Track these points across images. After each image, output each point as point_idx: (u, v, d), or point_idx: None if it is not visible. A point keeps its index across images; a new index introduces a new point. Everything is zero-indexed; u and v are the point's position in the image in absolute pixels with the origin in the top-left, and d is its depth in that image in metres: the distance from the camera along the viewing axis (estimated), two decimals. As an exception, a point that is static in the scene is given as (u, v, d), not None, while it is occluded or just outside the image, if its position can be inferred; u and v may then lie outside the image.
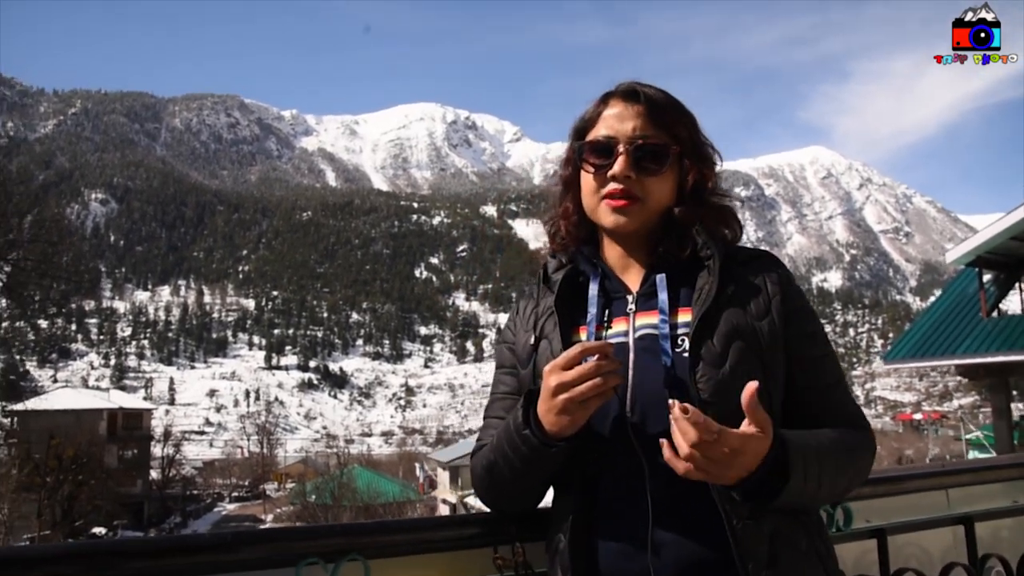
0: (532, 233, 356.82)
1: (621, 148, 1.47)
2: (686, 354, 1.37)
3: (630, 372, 1.40)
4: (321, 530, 1.55)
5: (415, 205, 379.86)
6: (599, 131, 1.52)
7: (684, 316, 1.42)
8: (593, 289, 1.52)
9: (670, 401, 1.21)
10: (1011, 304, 20.23)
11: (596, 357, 1.29)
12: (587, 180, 1.53)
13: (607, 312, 1.50)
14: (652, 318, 1.44)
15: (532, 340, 1.54)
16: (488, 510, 1.63)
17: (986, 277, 17.39)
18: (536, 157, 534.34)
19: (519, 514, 1.59)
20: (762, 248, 1.57)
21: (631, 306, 1.48)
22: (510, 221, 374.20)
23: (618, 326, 1.47)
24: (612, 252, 1.56)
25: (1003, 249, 16.78)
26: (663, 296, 1.44)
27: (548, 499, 1.56)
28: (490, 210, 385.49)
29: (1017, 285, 18.34)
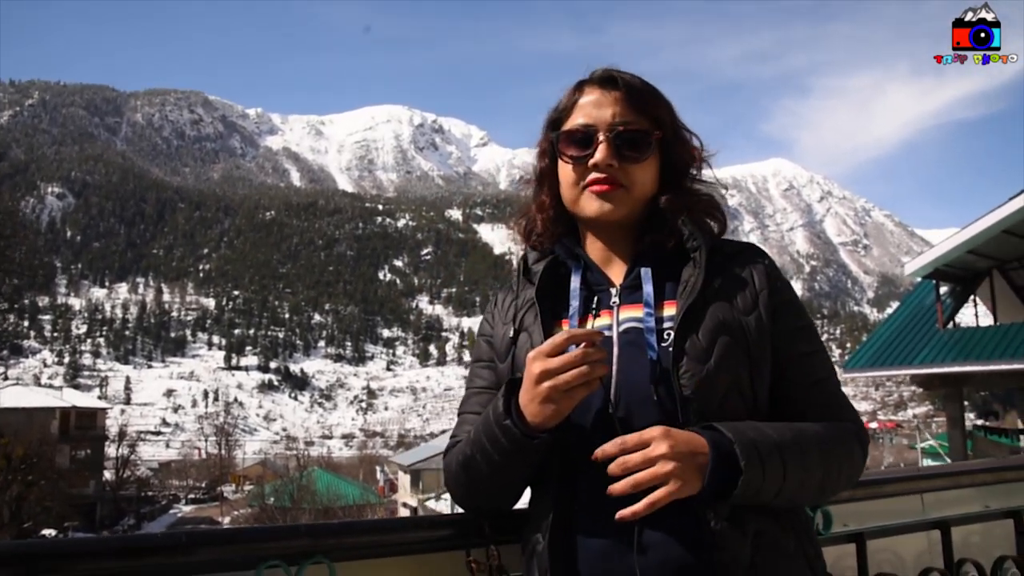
0: (497, 238, 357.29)
1: (601, 136, 1.42)
2: (671, 349, 1.32)
3: (614, 367, 1.35)
4: (284, 531, 1.47)
5: (380, 207, 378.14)
6: (576, 120, 1.46)
7: (669, 310, 1.38)
8: (575, 281, 1.47)
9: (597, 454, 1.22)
10: (966, 316, 20.71)
11: (583, 345, 1.26)
12: (566, 172, 1.47)
13: (589, 306, 1.45)
14: (636, 311, 1.40)
15: (511, 333, 1.49)
16: (461, 511, 1.57)
17: (943, 289, 17.78)
18: (503, 162, 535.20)
19: (493, 515, 1.53)
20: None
21: (615, 299, 1.43)
22: (475, 225, 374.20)
23: (601, 320, 1.43)
24: (593, 245, 1.51)
25: (960, 262, 17.19)
26: (648, 289, 1.40)
27: (523, 501, 1.50)
28: (455, 214, 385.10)
29: (972, 298, 18.78)
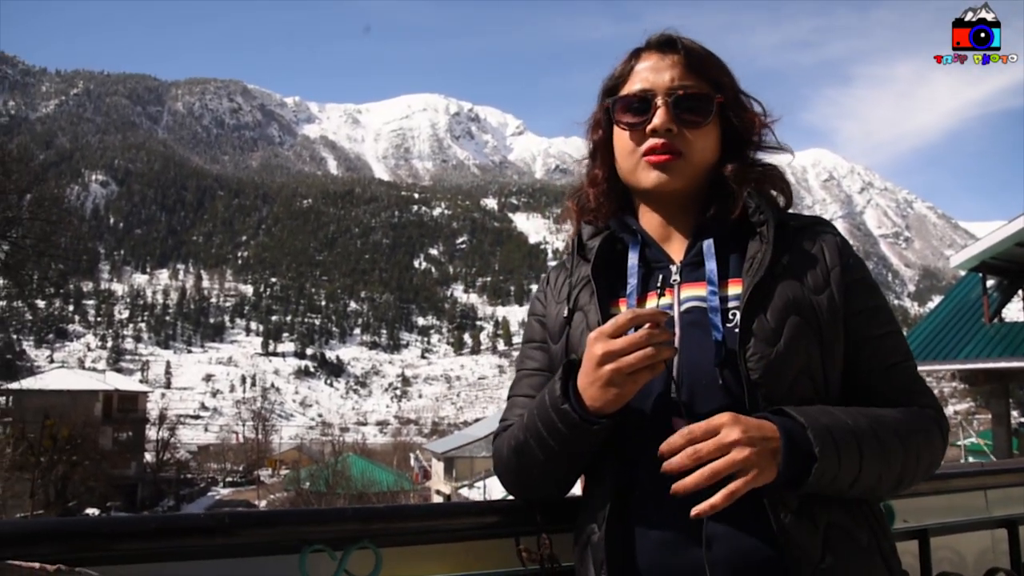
0: (532, 227, 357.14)
1: (660, 100, 1.34)
2: (737, 329, 1.25)
3: (676, 349, 1.26)
4: (329, 514, 1.42)
5: (416, 196, 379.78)
6: (633, 85, 1.39)
7: (734, 288, 1.30)
8: (633, 258, 1.39)
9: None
10: (1012, 311, 20.19)
11: (648, 326, 1.18)
12: (622, 139, 1.40)
13: (648, 283, 1.37)
14: (699, 290, 1.31)
15: (565, 312, 1.41)
16: (511, 497, 1.51)
17: (989, 283, 17.35)
18: (538, 151, 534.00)
19: (545, 502, 1.47)
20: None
21: (675, 277, 1.35)
22: (510, 214, 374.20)
23: (661, 299, 1.34)
24: (651, 219, 1.43)
25: (1007, 255, 16.73)
26: (711, 265, 1.31)
27: (575, 489, 1.44)
28: (491, 203, 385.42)
29: (1020, 292, 18.31)
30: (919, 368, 1.32)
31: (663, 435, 1.18)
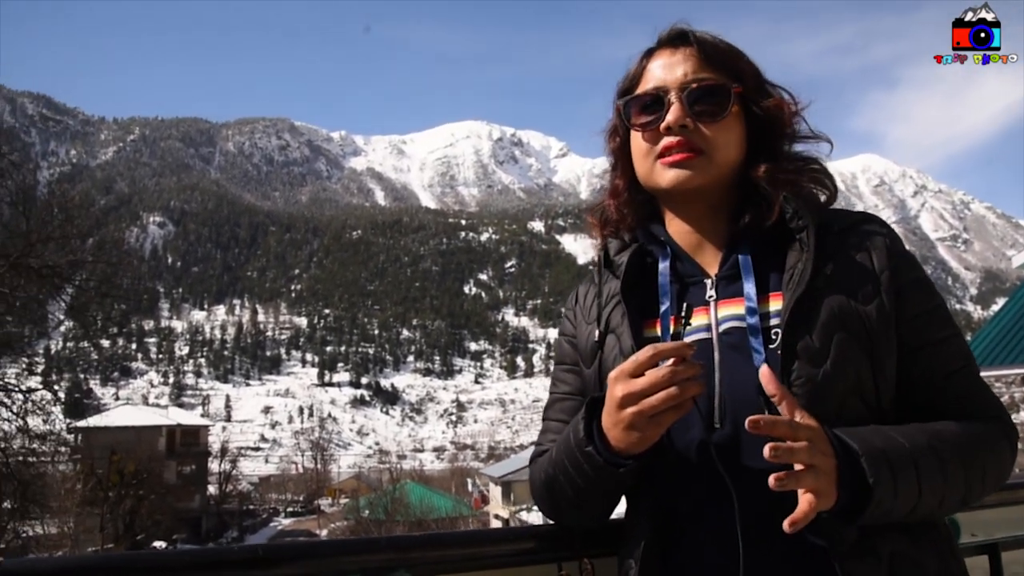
0: (580, 248, 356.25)
1: (673, 96, 1.24)
2: (780, 351, 1.14)
3: (716, 374, 1.18)
4: (365, 543, 1.40)
5: (463, 222, 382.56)
6: (646, 85, 1.30)
7: (775, 303, 1.18)
8: (664, 273, 1.29)
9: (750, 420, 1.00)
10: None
11: (671, 360, 1.07)
12: (637, 142, 1.30)
13: (683, 301, 1.24)
14: (737, 307, 1.20)
15: (596, 335, 1.31)
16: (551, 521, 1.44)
17: (1054, 282, 16.79)
18: (583, 172, 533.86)
19: (585, 528, 1.41)
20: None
21: (711, 292, 1.24)
22: (558, 236, 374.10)
23: (698, 318, 1.23)
24: (679, 228, 1.32)
25: (1074, 252, 16.21)
26: (749, 284, 1.20)
27: (621, 508, 1.36)
28: (538, 225, 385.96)
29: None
30: (985, 374, 0.95)
31: (704, 468, 1.15)
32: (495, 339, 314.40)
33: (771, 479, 0.97)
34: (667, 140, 1.23)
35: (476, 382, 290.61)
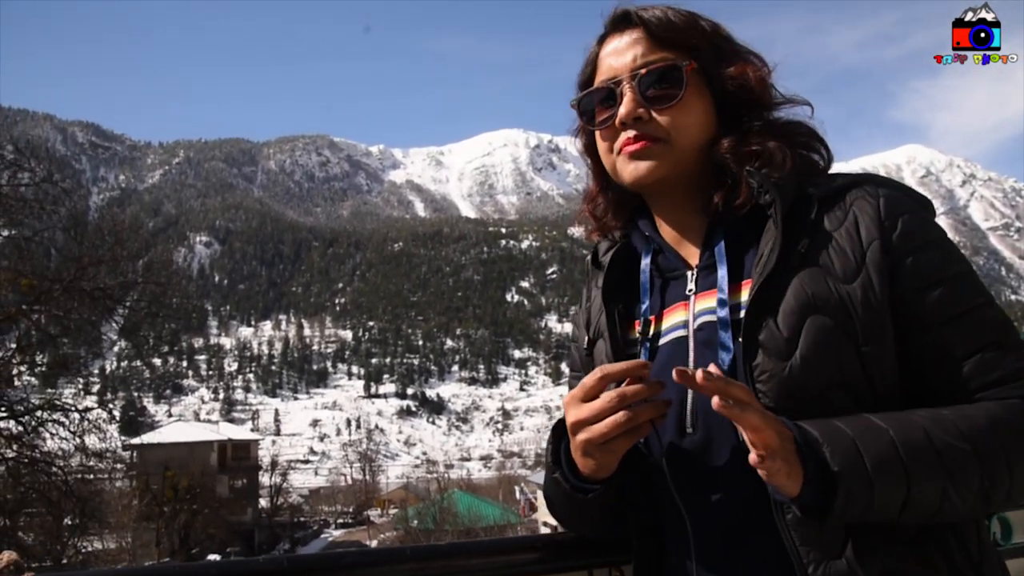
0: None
1: (625, 87, 1.14)
2: (742, 342, 1.04)
3: (669, 402, 1.07)
4: (389, 554, 1.35)
5: (503, 230, 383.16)
6: (600, 76, 1.20)
7: (747, 292, 1.07)
8: (645, 269, 1.21)
9: (691, 371, 0.90)
10: None
11: (626, 382, 1.00)
12: (600, 140, 1.21)
13: (666, 297, 1.19)
14: (711, 300, 1.11)
15: (585, 343, 1.27)
16: None
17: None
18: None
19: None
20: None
21: (691, 286, 1.15)
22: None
23: (675, 315, 1.16)
24: (662, 221, 1.23)
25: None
26: (722, 271, 1.10)
27: None
28: (578, 231, 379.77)
29: None
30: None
31: (682, 476, 1.09)
32: (539, 346, 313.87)
33: (714, 400, 0.88)
34: (624, 135, 1.15)
35: (521, 389, 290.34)
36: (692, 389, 0.95)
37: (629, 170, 1.14)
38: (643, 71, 1.13)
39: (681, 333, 1.13)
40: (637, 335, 1.18)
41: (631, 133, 1.13)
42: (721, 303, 1.08)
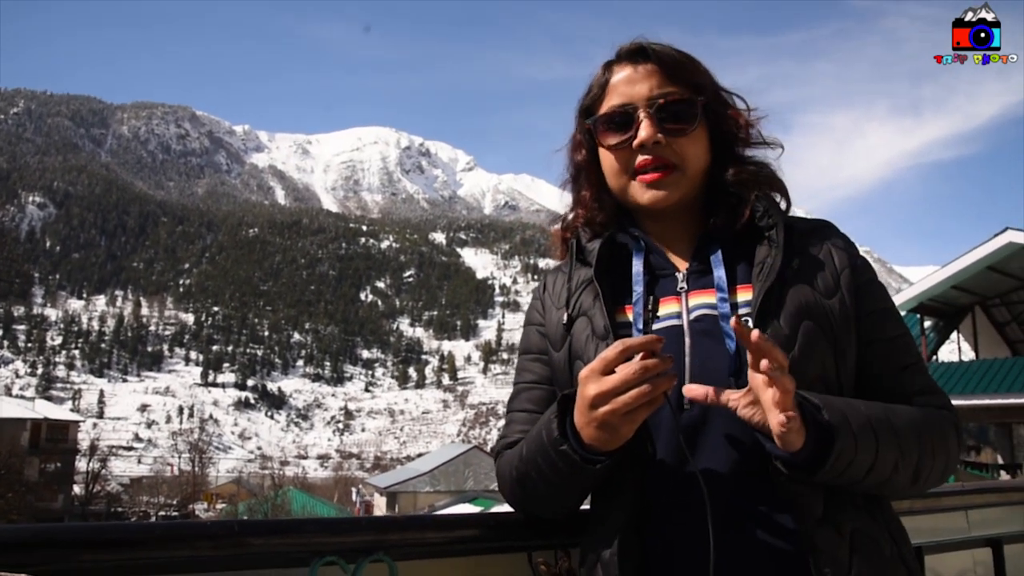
0: (480, 262, 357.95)
1: (642, 113, 1.28)
2: None
3: (687, 360, 1.22)
4: (343, 523, 1.38)
5: (364, 228, 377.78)
6: (611, 101, 1.32)
7: (744, 294, 1.26)
8: (637, 263, 1.33)
9: (732, 321, 1.07)
10: (947, 352, 20.82)
11: (641, 356, 1.08)
12: (609, 160, 1.34)
13: (654, 290, 1.31)
14: (708, 297, 1.26)
15: (565, 318, 1.34)
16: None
17: (926, 324, 17.96)
18: (488, 187, 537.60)
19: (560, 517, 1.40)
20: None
21: (682, 284, 1.30)
22: (459, 249, 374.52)
23: (668, 306, 1.28)
24: (651, 227, 1.38)
25: (944, 297, 17.39)
26: (720, 273, 1.27)
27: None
28: (439, 237, 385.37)
29: (955, 333, 18.96)
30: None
31: (676, 452, 1.18)
32: (388, 348, 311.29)
33: (763, 362, 1.02)
34: (641, 158, 1.28)
35: (366, 390, 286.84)
36: (744, 344, 1.05)
37: (649, 196, 1.29)
38: (661, 101, 1.28)
39: (674, 323, 1.26)
40: (628, 318, 1.29)
41: (648, 157, 1.27)
42: (722, 300, 1.24)
